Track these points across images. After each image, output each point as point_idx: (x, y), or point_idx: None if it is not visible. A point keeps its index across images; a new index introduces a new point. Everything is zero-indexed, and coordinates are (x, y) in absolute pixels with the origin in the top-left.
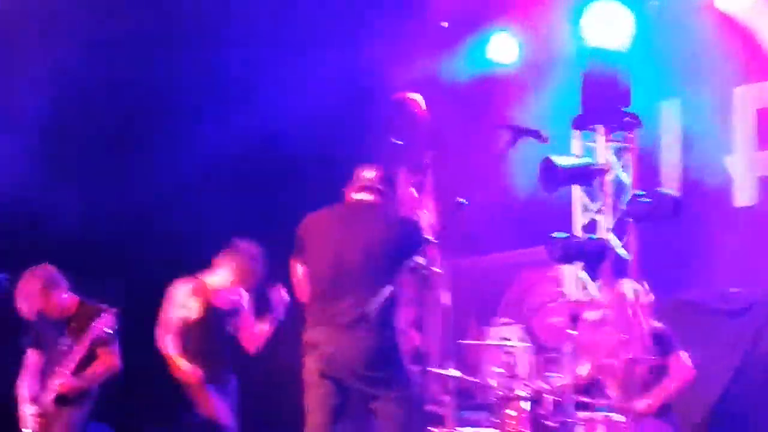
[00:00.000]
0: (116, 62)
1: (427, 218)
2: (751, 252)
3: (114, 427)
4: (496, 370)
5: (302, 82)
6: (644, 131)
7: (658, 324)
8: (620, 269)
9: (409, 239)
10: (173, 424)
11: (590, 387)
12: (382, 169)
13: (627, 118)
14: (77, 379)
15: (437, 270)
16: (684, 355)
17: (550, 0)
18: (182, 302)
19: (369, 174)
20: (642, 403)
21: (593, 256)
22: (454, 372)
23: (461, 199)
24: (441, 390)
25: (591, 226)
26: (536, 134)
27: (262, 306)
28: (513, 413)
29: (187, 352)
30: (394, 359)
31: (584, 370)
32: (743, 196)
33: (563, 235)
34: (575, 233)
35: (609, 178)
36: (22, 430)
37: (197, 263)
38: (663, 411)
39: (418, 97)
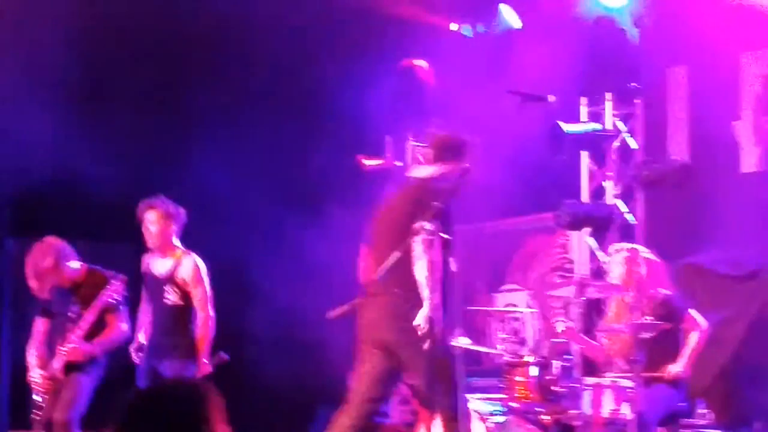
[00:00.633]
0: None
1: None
2: (759, 217)
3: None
4: (503, 336)
5: None
6: (651, 97)
7: (665, 290)
8: (627, 235)
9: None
10: None
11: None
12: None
13: (634, 84)
14: (87, 345)
15: (444, 236)
16: (694, 312)
17: None
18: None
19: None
20: (675, 367)
21: (600, 222)
22: (462, 339)
23: (468, 165)
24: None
25: (598, 192)
26: (542, 99)
27: None
28: (521, 379)
29: None
30: (407, 320)
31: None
32: (750, 161)
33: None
34: (583, 199)
35: (616, 144)
36: (33, 396)
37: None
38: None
39: (423, 64)
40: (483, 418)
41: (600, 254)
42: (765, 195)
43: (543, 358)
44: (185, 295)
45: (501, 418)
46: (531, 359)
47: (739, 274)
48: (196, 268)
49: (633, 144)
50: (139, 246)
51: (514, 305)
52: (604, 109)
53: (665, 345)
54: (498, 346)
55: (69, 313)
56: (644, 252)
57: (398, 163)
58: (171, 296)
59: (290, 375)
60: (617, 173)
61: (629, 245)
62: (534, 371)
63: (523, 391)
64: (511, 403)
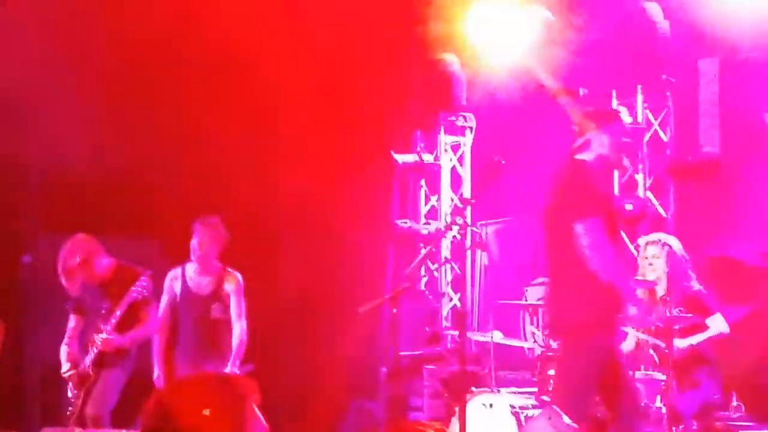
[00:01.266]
0: None
1: None
2: None
3: None
4: (534, 330)
5: None
6: (682, 90)
7: (696, 285)
8: (659, 227)
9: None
10: None
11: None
12: None
13: (665, 77)
14: (119, 337)
15: (476, 230)
16: (720, 317)
17: None
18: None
19: None
20: (681, 342)
21: (632, 215)
22: (494, 333)
23: (498, 159)
24: (481, 350)
25: (630, 185)
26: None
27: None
28: (552, 372)
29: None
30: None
31: (629, 343)
32: None
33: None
34: (613, 192)
35: (647, 137)
36: (65, 392)
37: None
38: (702, 367)
39: (454, 58)
40: (516, 412)
41: (631, 247)
42: None
43: None
44: (227, 309)
45: (534, 411)
46: None
47: None
48: (240, 283)
49: (664, 137)
50: (162, 242)
51: None
52: (635, 102)
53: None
54: (530, 340)
55: (100, 309)
56: (675, 244)
57: (428, 157)
58: (216, 312)
59: (321, 369)
60: (648, 166)
61: (660, 238)
62: None
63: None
64: (543, 397)
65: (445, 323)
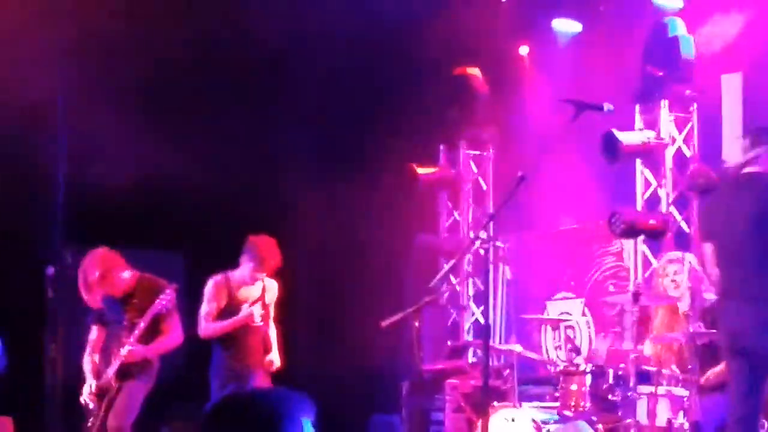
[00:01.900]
0: None
1: None
2: None
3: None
4: (557, 344)
5: None
6: (706, 104)
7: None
8: (682, 243)
9: None
10: None
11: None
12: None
13: (689, 92)
14: (143, 348)
15: (499, 244)
16: None
17: None
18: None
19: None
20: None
21: (655, 230)
22: (516, 346)
23: (522, 173)
24: (503, 364)
25: (653, 200)
26: (598, 107)
27: None
28: (575, 388)
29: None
30: None
31: (648, 348)
32: None
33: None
34: (637, 207)
35: (671, 151)
36: (87, 403)
37: None
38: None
39: (477, 72)
40: (538, 427)
41: (654, 262)
42: None
43: (598, 367)
44: (267, 316)
45: (555, 426)
46: (586, 368)
47: None
48: (276, 290)
49: (687, 151)
50: (188, 254)
51: (568, 313)
52: (659, 117)
53: (710, 352)
54: (552, 355)
55: (122, 321)
56: (694, 261)
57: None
58: (259, 318)
59: (342, 383)
60: (672, 181)
61: (679, 255)
62: (589, 380)
63: (577, 400)
64: (565, 412)
65: (467, 337)
